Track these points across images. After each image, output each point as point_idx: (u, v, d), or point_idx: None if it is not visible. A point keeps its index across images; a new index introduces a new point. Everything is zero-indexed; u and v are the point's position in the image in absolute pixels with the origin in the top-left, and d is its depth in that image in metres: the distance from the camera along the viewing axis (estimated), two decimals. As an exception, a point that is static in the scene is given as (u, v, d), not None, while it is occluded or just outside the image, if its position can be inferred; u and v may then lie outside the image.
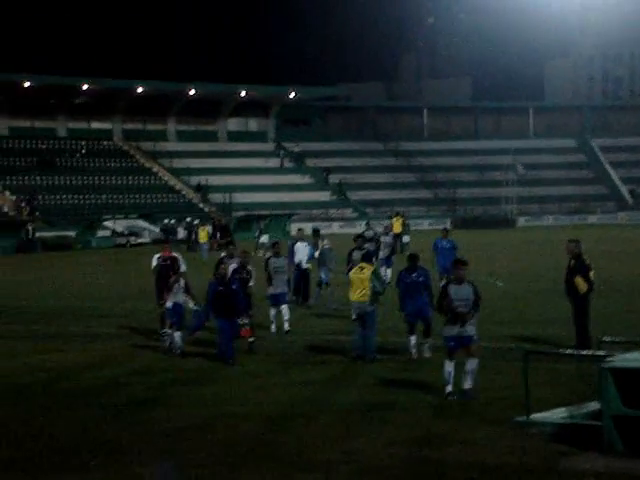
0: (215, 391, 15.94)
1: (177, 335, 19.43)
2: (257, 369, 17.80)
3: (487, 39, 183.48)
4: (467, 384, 14.74)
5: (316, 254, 28.10)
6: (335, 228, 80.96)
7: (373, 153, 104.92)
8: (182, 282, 20.08)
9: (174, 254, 22.62)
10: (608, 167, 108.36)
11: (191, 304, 20.51)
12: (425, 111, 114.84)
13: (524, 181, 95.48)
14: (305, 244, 27.53)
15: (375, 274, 18.74)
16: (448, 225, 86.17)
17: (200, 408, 14.62)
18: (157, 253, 22.88)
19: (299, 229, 30.24)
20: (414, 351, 18.12)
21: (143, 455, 12.00)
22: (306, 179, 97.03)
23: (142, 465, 11.59)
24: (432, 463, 11.32)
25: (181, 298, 19.92)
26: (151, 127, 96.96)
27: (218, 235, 58.61)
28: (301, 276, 27.09)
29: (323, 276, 27.44)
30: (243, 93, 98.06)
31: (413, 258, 18.73)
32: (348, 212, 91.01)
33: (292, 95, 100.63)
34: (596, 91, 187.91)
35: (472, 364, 14.76)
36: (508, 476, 10.80)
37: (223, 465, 11.49)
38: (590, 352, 15.22)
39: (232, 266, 20.57)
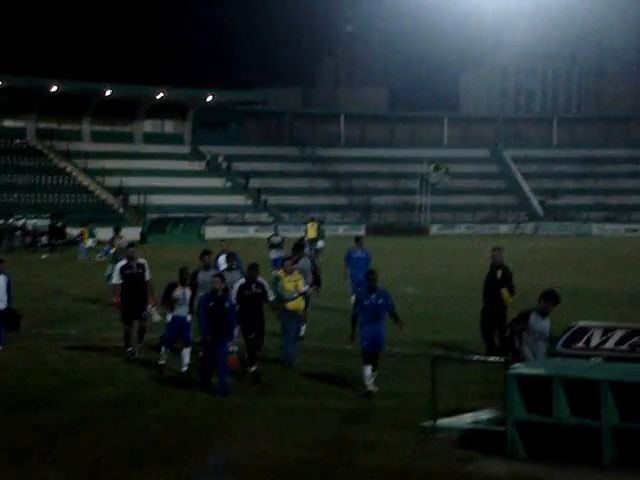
0: (128, 393, 15.87)
1: (164, 351, 17.60)
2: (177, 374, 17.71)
3: (404, 49, 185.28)
4: None
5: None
6: (251, 232, 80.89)
7: (289, 158, 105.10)
8: (188, 292, 17.83)
9: (140, 260, 19.65)
10: (519, 178, 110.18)
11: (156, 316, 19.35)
12: (342, 118, 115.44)
13: (438, 190, 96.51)
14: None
15: (273, 280, 18.72)
16: (362, 232, 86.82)
17: (107, 408, 14.54)
18: (121, 261, 19.97)
19: (222, 240, 24.98)
20: (370, 383, 15.75)
21: (46, 456, 11.91)
22: (222, 183, 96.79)
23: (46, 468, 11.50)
24: (339, 466, 11.44)
25: (185, 310, 17.77)
26: (66, 127, 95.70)
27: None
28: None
29: None
30: (159, 95, 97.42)
31: (372, 276, 16.29)
32: (264, 217, 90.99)
33: (209, 98, 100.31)
34: (509, 103, 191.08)
35: None
36: (414, 480, 10.97)
37: (118, 465, 11.45)
38: (496, 358, 15.50)
39: (238, 282, 17.35)
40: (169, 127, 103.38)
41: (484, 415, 13.37)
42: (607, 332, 13.23)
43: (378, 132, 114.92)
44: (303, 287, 18.71)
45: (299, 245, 22.22)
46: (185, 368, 17.45)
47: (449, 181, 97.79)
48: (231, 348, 16.53)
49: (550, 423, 11.77)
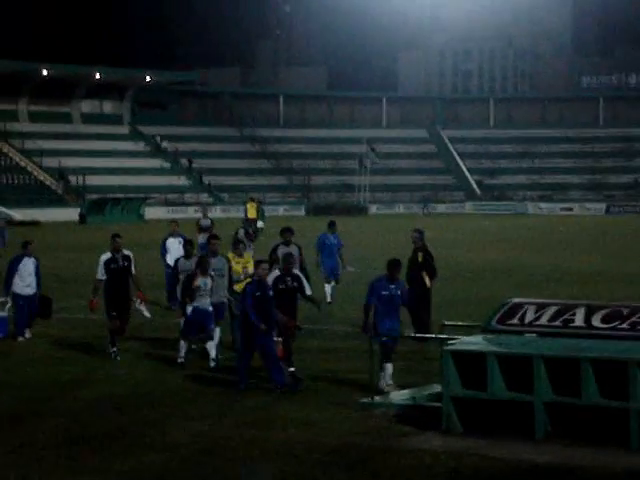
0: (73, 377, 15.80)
1: (183, 346, 16.46)
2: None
3: (343, 29, 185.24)
4: None
5: None
6: (191, 213, 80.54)
7: (229, 139, 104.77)
8: (209, 282, 16.62)
9: (126, 251, 17.94)
10: (457, 158, 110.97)
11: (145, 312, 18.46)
12: (281, 98, 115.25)
13: (377, 170, 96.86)
14: (179, 239, 21.96)
15: None
16: (302, 212, 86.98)
17: (51, 390, 14.48)
18: (105, 253, 17.92)
19: (173, 221, 24.21)
20: (390, 382, 14.48)
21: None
22: (161, 163, 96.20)
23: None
24: (276, 444, 11.52)
25: (207, 301, 16.57)
26: (2, 107, 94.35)
27: None
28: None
29: None
30: (97, 75, 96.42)
31: (396, 265, 14.96)
32: (204, 197, 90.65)
33: (148, 78, 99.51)
34: (447, 84, 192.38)
35: None
36: (350, 456, 11.07)
37: (69, 447, 11.42)
38: (433, 335, 15.68)
39: (272, 274, 15.62)
40: (108, 107, 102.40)
41: (421, 391, 13.55)
42: (541, 308, 13.42)
43: (317, 112, 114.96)
44: (251, 270, 17.56)
45: (287, 229, 20.22)
46: (213, 364, 16.26)
47: (379, 161, 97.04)
48: (275, 339, 15.01)
49: (485, 398, 11.95)
